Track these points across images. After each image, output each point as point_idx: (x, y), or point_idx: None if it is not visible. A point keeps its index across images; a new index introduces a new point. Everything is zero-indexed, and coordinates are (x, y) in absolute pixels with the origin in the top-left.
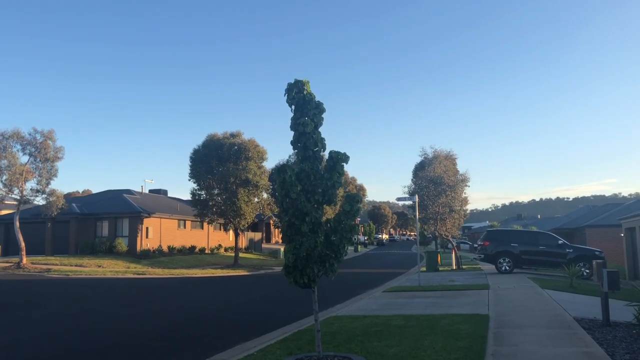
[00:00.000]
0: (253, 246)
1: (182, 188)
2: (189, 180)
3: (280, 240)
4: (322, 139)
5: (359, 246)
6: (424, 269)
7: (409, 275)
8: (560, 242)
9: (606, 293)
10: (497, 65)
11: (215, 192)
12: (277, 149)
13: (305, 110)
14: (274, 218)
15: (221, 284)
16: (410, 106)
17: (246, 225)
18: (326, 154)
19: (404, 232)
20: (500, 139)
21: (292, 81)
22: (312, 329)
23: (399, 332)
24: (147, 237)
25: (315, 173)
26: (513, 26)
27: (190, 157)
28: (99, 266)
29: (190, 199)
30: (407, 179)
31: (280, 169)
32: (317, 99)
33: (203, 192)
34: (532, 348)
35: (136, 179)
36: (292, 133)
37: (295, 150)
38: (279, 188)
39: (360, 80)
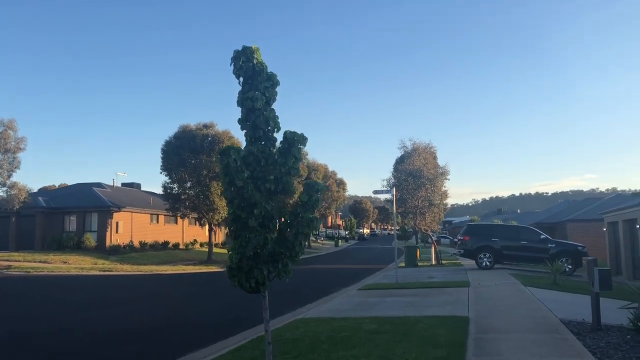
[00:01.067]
0: (229, 241)
1: (156, 182)
2: (161, 173)
3: None
4: (276, 117)
5: (340, 241)
6: (403, 264)
7: (388, 271)
8: (542, 236)
9: (597, 294)
10: (478, 62)
11: (188, 185)
12: None
13: (255, 83)
14: None
15: (190, 281)
16: (392, 101)
17: (220, 219)
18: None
19: (386, 227)
20: (481, 134)
21: (240, 48)
22: (279, 332)
23: (370, 338)
24: (117, 232)
25: (266, 157)
26: (495, 22)
27: (162, 149)
28: (65, 262)
29: (162, 192)
30: (388, 173)
31: (223, 152)
32: (269, 69)
33: (175, 186)
34: (518, 358)
35: (109, 172)
36: (240, 110)
37: (244, 131)
38: (222, 174)
39: (342, 75)
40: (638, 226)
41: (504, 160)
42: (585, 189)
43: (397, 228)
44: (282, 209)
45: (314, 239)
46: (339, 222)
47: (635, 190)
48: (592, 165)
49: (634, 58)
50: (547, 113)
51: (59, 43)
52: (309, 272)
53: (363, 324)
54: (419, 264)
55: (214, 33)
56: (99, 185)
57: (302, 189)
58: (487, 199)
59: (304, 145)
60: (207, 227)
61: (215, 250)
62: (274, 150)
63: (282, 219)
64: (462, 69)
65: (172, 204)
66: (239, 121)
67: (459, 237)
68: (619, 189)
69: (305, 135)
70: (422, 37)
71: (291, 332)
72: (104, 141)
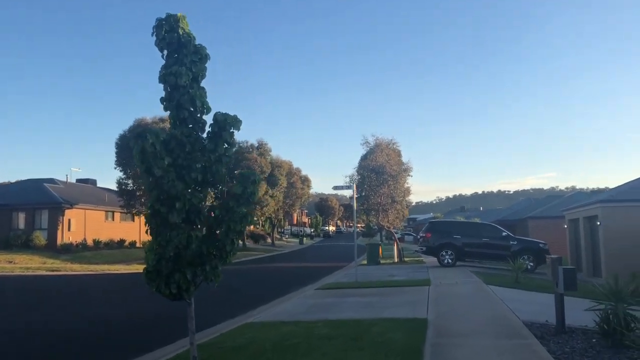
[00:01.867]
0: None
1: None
2: (115, 168)
3: None
4: (204, 96)
5: (305, 238)
6: (365, 262)
7: (350, 269)
8: (504, 234)
9: (562, 294)
10: (440, 63)
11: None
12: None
13: (180, 57)
14: None
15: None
16: (359, 99)
17: None
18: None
19: (351, 224)
20: (445, 133)
21: (163, 16)
22: (212, 343)
23: (320, 345)
24: (69, 229)
25: (193, 142)
26: (453, 23)
27: (116, 144)
28: (10, 262)
29: (116, 188)
30: (352, 170)
31: (139, 135)
32: (197, 41)
33: (130, 182)
34: None
35: (64, 168)
36: (163, 88)
37: (168, 112)
38: (138, 161)
39: (306, 72)
40: (599, 223)
41: (467, 159)
42: (545, 187)
43: (358, 225)
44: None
45: (278, 236)
46: (305, 219)
47: (594, 188)
48: (552, 165)
49: (593, 59)
50: (509, 113)
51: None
52: (269, 271)
53: (315, 329)
54: (382, 261)
55: None
56: (51, 181)
57: (264, 186)
58: (451, 196)
59: (237, 128)
60: None
61: None
62: (203, 135)
63: (213, 214)
64: (425, 69)
65: (127, 200)
66: (162, 100)
67: (421, 235)
68: (577, 187)
69: (238, 117)
70: (386, 35)
71: (235, 339)
72: (58, 135)
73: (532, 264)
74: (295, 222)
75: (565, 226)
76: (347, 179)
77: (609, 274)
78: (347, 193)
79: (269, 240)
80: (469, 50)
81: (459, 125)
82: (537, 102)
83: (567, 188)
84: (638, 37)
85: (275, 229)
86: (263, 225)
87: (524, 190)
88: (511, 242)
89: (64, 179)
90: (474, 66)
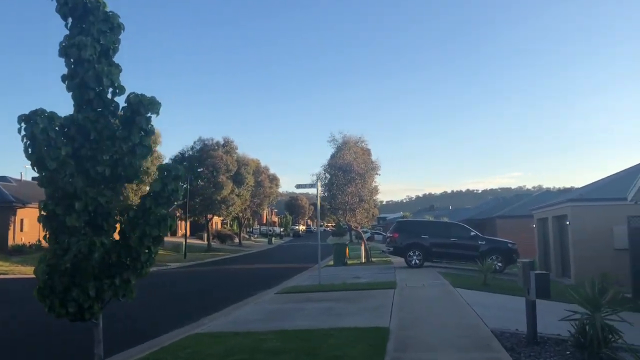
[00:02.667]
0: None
1: None
2: None
3: (189, 233)
4: (116, 74)
5: (273, 238)
6: (332, 262)
7: (315, 270)
8: (472, 233)
9: (533, 302)
10: (408, 65)
11: None
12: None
13: (86, 25)
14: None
15: None
16: (328, 99)
17: None
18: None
19: (322, 223)
20: (414, 133)
21: None
22: (162, 353)
23: None
24: (21, 230)
25: (100, 129)
26: (427, 18)
27: None
28: None
29: None
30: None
31: (28, 117)
32: (109, 9)
33: None
34: None
35: (19, 166)
36: (64, 63)
37: (71, 93)
38: (27, 151)
39: (276, 71)
40: (568, 222)
41: (436, 158)
42: (513, 187)
43: (329, 224)
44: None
45: (246, 236)
46: (275, 219)
47: (561, 187)
48: (518, 164)
49: (559, 60)
50: (477, 114)
51: None
52: (231, 273)
53: (265, 341)
54: (349, 262)
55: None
56: (2, 179)
57: (230, 184)
58: (421, 195)
59: (156, 112)
60: None
61: None
62: (114, 121)
63: (126, 216)
64: (395, 69)
65: None
66: (63, 78)
67: (388, 235)
68: (544, 187)
69: (157, 99)
70: (356, 34)
71: (175, 354)
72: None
73: (500, 264)
74: (264, 221)
75: (534, 225)
76: (314, 178)
77: (579, 275)
78: (305, 191)
79: (237, 240)
80: (436, 50)
81: (428, 126)
82: (504, 103)
83: (533, 187)
84: (602, 38)
85: (244, 229)
86: (231, 225)
87: (492, 190)
88: (479, 242)
89: (18, 177)
90: (443, 67)
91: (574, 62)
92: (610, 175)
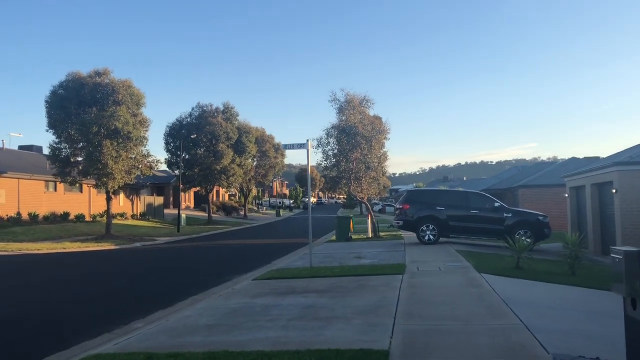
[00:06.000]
0: (152, 212)
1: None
2: (47, 131)
3: (192, 205)
4: None
5: (283, 210)
6: (334, 237)
7: (314, 246)
8: (496, 204)
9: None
10: (421, 35)
11: (80, 146)
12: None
13: None
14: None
15: (42, 265)
16: (340, 69)
17: (116, 186)
18: None
19: (333, 195)
20: (428, 103)
21: None
22: None
23: None
24: None
25: None
26: None
27: (46, 102)
28: None
29: (48, 154)
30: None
31: None
32: None
33: (65, 146)
34: None
35: (3, 134)
36: None
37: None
38: None
39: (287, 39)
40: (614, 190)
41: (450, 129)
42: (527, 158)
43: (340, 196)
44: None
45: (255, 208)
46: (285, 191)
47: (582, 157)
48: (533, 135)
49: (573, 27)
50: (491, 83)
51: None
52: (218, 250)
53: None
54: (353, 236)
55: None
56: None
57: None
58: (434, 167)
59: None
60: (122, 195)
61: (123, 222)
62: None
63: None
64: (411, 35)
65: (61, 168)
66: None
67: (398, 206)
68: (559, 157)
69: None
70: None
71: None
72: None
73: (529, 239)
74: (275, 193)
75: (566, 195)
76: (315, 143)
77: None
78: (289, 150)
79: (243, 212)
80: (451, 20)
81: (441, 94)
82: (519, 72)
83: (548, 158)
84: (615, 7)
85: (252, 201)
86: (239, 198)
87: (506, 161)
88: (505, 215)
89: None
90: (457, 36)
91: (591, 30)
92: None
